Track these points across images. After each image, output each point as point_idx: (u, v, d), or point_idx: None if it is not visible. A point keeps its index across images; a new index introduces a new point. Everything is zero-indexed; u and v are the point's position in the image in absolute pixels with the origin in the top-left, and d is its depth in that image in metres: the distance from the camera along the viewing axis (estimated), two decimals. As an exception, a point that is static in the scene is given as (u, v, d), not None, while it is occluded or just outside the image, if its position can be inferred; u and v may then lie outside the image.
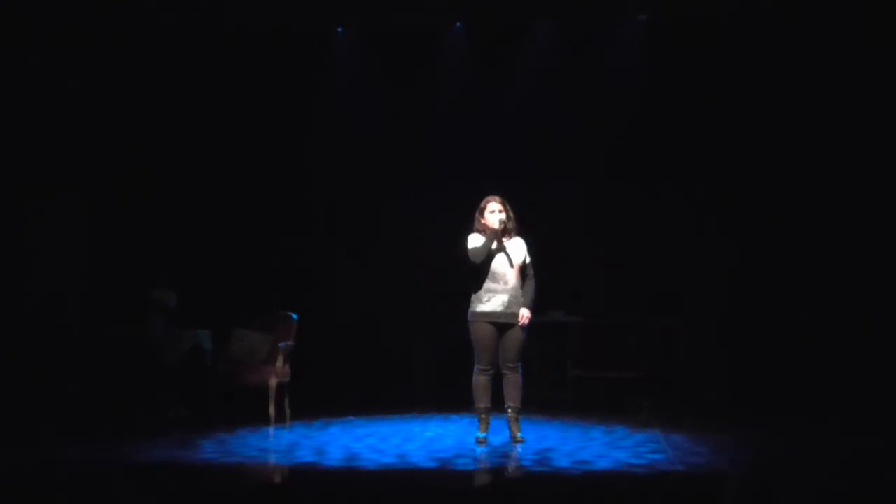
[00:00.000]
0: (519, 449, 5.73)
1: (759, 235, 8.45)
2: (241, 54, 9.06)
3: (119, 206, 8.65)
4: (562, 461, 5.28)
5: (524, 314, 5.84)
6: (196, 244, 8.83)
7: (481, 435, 5.90)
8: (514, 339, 5.85)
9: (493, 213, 5.91)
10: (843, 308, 7.99)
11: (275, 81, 9.15)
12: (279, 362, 7.29)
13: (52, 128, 8.19)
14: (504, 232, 5.91)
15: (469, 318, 5.89)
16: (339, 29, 9.32)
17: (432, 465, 5.22)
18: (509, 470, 5.25)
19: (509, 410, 5.92)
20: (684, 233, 8.63)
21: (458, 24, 9.20)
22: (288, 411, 7.35)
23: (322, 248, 9.22)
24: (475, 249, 5.82)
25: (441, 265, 7.64)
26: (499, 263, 5.86)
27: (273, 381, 7.20)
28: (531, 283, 5.95)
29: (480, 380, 5.89)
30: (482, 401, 5.90)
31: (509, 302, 5.84)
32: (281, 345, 7.33)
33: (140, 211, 8.73)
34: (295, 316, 7.60)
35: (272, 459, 5.69)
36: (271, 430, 6.80)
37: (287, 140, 9.25)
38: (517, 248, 5.94)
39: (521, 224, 6.04)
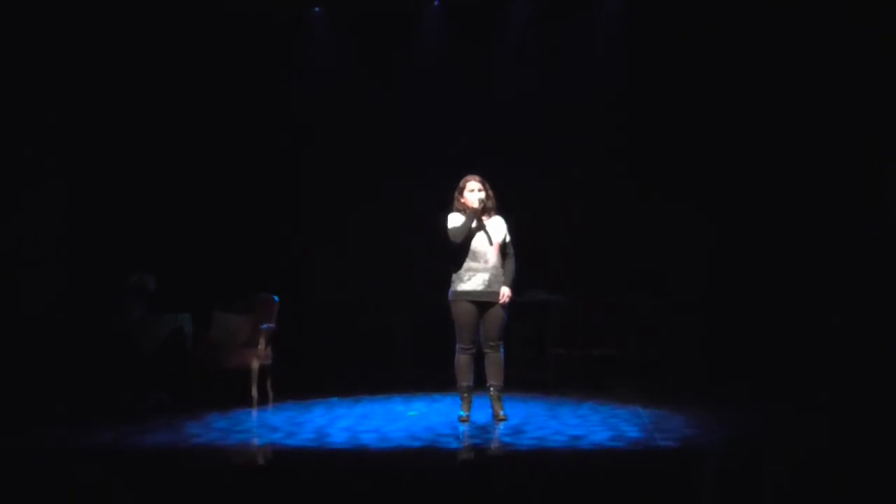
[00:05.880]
0: (501, 427, 5.76)
1: (739, 213, 8.46)
2: (220, 38, 8.97)
3: (97, 191, 8.57)
4: (544, 439, 5.32)
5: (505, 293, 5.86)
6: (175, 228, 8.77)
7: (464, 413, 5.94)
8: (495, 317, 5.87)
9: (473, 191, 5.91)
10: (823, 286, 8.02)
11: (253, 65, 9.07)
12: (261, 345, 7.28)
13: (27, 113, 8.09)
14: (483, 211, 5.91)
15: (450, 297, 5.90)
16: (316, 9, 9.26)
17: (416, 444, 5.25)
18: (492, 448, 5.28)
19: (491, 389, 5.95)
20: (664, 211, 8.65)
21: (436, 3, 9.17)
22: (270, 394, 7.36)
23: (303, 229, 9.18)
24: (455, 228, 5.82)
25: (423, 246, 7.63)
26: (479, 242, 5.87)
27: (255, 364, 7.19)
28: (511, 262, 5.97)
29: (462, 359, 5.91)
30: (464, 380, 5.93)
31: (490, 281, 5.85)
32: (263, 327, 7.32)
33: (119, 195, 8.66)
34: (276, 298, 7.59)
35: (256, 442, 5.69)
36: (254, 412, 6.80)
37: (266, 122, 9.18)
38: (497, 227, 5.95)
39: (500, 203, 6.05)
